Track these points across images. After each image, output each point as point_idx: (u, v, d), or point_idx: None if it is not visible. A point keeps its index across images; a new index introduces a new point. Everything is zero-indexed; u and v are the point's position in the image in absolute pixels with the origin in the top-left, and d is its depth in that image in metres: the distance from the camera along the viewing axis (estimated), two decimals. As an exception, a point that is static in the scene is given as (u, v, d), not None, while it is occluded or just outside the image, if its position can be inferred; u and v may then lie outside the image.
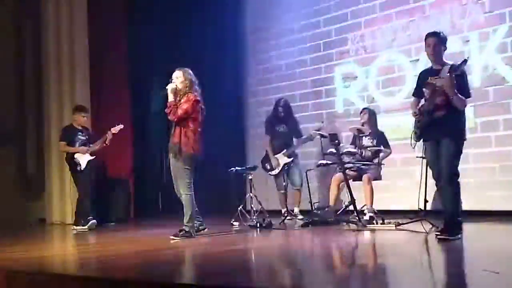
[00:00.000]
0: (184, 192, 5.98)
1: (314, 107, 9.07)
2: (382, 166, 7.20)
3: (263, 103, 9.73)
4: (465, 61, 5.05)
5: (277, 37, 9.57)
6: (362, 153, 7.10)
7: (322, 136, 7.11)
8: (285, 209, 7.71)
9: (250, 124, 9.95)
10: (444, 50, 5.27)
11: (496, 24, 7.20)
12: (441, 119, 5.07)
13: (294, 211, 7.73)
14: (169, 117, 6.02)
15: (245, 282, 3.52)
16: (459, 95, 5.00)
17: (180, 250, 5.33)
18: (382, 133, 7.35)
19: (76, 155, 7.78)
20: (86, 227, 7.53)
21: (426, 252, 4.93)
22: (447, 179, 5.05)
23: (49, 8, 9.34)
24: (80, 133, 7.89)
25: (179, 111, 5.92)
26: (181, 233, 5.89)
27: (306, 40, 9.19)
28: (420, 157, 6.30)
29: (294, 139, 7.86)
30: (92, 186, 7.89)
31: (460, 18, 7.52)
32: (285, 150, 7.74)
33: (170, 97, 6.02)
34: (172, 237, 5.88)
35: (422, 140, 5.33)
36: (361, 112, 7.39)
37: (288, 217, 7.44)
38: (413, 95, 5.48)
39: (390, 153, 7.24)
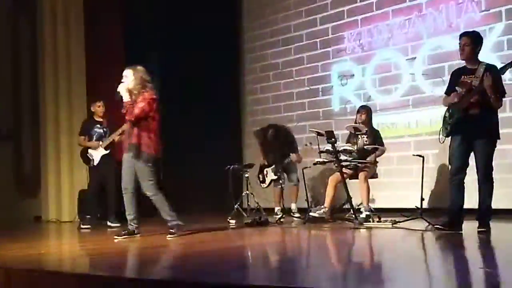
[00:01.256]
0: (151, 193, 5.85)
1: (311, 105, 9.08)
2: (377, 163, 7.22)
3: (260, 101, 9.76)
4: (510, 63, 5.22)
5: (274, 35, 9.58)
6: (358, 151, 7.10)
7: (318, 134, 7.13)
8: (279, 207, 7.73)
9: (247, 122, 9.96)
10: (479, 50, 5.40)
11: (492, 23, 7.21)
12: (475, 117, 5.23)
13: (291, 208, 7.74)
14: (126, 118, 5.86)
15: (241, 279, 3.53)
16: (497, 95, 5.19)
17: (176, 248, 5.33)
18: (377, 131, 7.36)
19: (90, 150, 7.65)
20: (84, 226, 7.47)
21: (422, 249, 4.95)
22: (485, 177, 5.26)
23: (45, 5, 9.31)
24: (98, 125, 7.73)
25: (136, 111, 5.76)
26: (174, 229, 5.83)
27: (303, 38, 9.21)
28: (417, 155, 6.33)
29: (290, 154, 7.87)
30: (110, 181, 7.58)
31: (456, 16, 7.54)
32: (273, 166, 7.77)
33: (126, 97, 5.85)
34: (169, 236, 5.80)
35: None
36: (358, 112, 7.36)
37: (283, 216, 7.44)
38: (445, 93, 5.59)
39: (384, 151, 7.25)
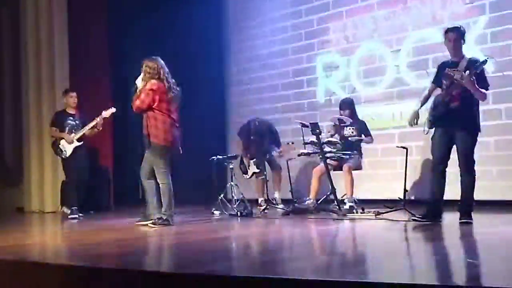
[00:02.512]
0: (161, 181, 5.97)
1: (296, 97, 9.09)
2: (362, 155, 7.26)
3: (245, 92, 9.73)
4: (485, 61, 5.32)
5: (259, 26, 9.55)
6: (343, 142, 7.12)
7: (303, 125, 7.14)
8: (262, 198, 7.75)
9: (232, 113, 9.94)
10: (463, 43, 5.47)
11: (476, 15, 7.25)
12: (456, 110, 5.30)
13: (275, 196, 7.76)
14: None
15: (226, 270, 3.53)
16: (480, 89, 5.25)
17: (160, 239, 5.33)
18: (363, 121, 7.39)
19: (62, 142, 7.62)
20: (72, 216, 7.41)
21: (405, 240, 4.99)
22: (466, 169, 5.34)
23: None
24: (70, 118, 7.71)
25: (136, 102, 5.85)
26: (160, 221, 5.90)
27: (288, 30, 9.19)
28: (401, 147, 6.37)
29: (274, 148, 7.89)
30: (81, 173, 7.66)
31: (441, 9, 7.57)
32: (255, 159, 7.79)
33: (140, 87, 5.94)
34: (150, 225, 5.90)
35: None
36: (340, 108, 7.35)
37: (267, 207, 7.44)
38: (432, 82, 5.68)
39: (372, 141, 7.30)
